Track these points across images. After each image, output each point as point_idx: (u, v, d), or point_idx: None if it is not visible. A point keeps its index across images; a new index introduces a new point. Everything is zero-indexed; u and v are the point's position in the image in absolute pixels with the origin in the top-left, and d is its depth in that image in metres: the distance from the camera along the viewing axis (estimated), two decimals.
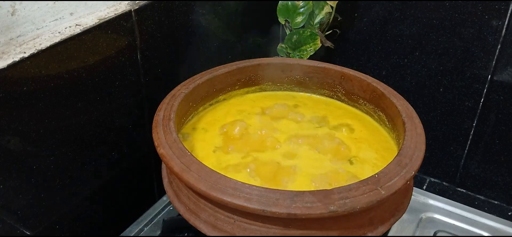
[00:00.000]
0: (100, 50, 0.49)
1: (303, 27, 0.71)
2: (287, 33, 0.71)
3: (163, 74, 0.58)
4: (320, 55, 0.69)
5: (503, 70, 0.64)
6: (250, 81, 0.59)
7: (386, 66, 0.72)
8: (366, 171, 0.48)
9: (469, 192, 0.74)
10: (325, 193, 0.38)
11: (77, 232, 0.53)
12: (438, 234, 0.57)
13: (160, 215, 0.58)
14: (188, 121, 0.54)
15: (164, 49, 0.57)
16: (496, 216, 0.59)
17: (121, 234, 0.56)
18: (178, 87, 0.52)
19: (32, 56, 0.42)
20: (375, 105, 0.55)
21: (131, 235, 0.55)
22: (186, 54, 0.62)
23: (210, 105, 0.57)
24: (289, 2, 0.70)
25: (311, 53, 0.70)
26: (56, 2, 0.46)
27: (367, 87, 0.55)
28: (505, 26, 0.62)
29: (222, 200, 0.38)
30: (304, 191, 0.38)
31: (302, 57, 0.70)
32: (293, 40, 0.70)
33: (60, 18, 0.47)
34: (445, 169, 0.74)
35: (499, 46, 0.63)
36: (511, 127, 0.66)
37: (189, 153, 0.42)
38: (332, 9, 0.70)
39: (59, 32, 0.46)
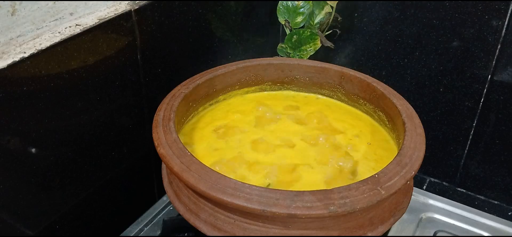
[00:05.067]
0: (100, 50, 0.49)
1: (303, 27, 0.71)
2: (287, 33, 0.71)
3: (163, 74, 0.58)
4: (320, 55, 0.69)
5: (503, 70, 0.64)
6: (250, 81, 0.59)
7: (386, 66, 0.72)
8: (366, 171, 0.48)
9: (469, 192, 0.74)
10: (325, 193, 0.38)
11: (77, 232, 0.53)
12: (438, 234, 0.57)
13: (160, 215, 0.58)
14: (188, 121, 0.54)
15: (164, 49, 0.57)
16: (496, 216, 0.59)
17: (121, 234, 0.56)
18: (178, 87, 0.52)
19: (32, 56, 0.42)
20: (375, 105, 0.55)
21: (131, 235, 0.55)
22: (186, 54, 0.62)
23: (210, 105, 0.57)
24: (289, 2, 0.70)
25: (311, 53, 0.70)
26: (56, 2, 0.46)
27: (367, 87, 0.55)
28: (505, 26, 0.62)
29: (222, 200, 0.38)
30: (304, 191, 0.38)
31: (302, 57, 0.70)
32: (293, 40, 0.70)
33: (60, 18, 0.47)
34: (445, 169, 0.74)
35: (499, 46, 0.63)
36: (511, 127, 0.66)
37: (189, 153, 0.42)
38: (332, 9, 0.70)
39: (59, 32, 0.46)
